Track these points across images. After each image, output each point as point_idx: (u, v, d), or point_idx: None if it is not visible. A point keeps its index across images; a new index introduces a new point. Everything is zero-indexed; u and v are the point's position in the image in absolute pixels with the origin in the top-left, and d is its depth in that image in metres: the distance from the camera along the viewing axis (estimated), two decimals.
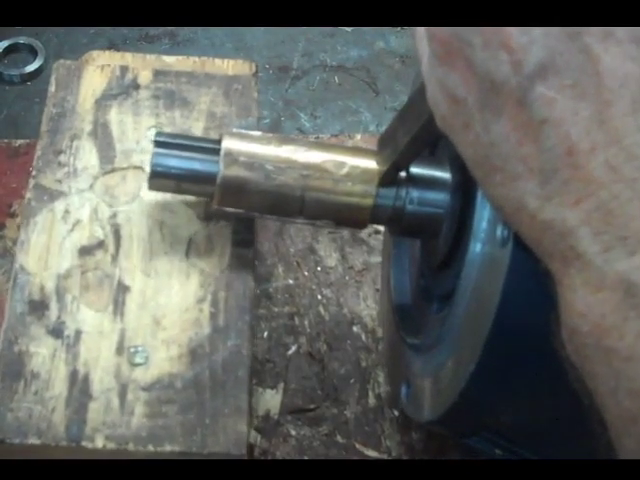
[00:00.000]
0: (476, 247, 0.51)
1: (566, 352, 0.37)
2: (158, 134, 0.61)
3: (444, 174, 0.59)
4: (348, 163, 0.59)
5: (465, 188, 0.56)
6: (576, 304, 0.36)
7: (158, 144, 0.60)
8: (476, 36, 0.37)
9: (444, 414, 0.53)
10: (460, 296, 0.53)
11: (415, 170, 0.59)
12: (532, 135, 0.36)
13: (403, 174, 0.59)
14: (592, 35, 0.36)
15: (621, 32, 0.36)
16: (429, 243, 0.62)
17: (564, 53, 0.36)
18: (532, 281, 0.41)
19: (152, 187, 0.62)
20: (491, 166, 0.38)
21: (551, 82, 0.36)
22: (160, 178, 0.60)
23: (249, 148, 0.59)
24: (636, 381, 0.34)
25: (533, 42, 0.36)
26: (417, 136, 0.54)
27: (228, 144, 0.59)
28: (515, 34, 0.36)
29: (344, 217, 0.60)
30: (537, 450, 0.54)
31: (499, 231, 0.46)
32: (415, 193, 0.59)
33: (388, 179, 0.59)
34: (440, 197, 0.58)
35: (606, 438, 0.36)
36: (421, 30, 0.42)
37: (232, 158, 0.59)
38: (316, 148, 0.60)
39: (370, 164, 0.59)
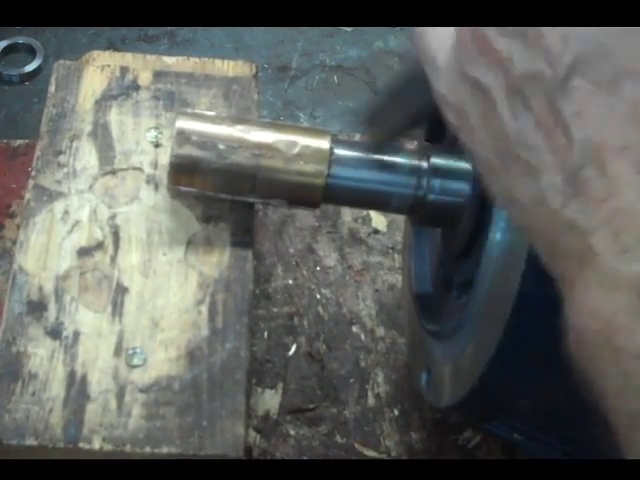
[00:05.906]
0: (496, 235, 0.51)
1: (572, 355, 0.37)
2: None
3: (465, 164, 0.59)
4: (300, 143, 0.60)
5: None
6: (588, 303, 0.35)
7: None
8: (517, 35, 0.37)
9: (464, 399, 0.54)
10: (480, 283, 0.53)
11: (436, 160, 0.60)
12: (562, 127, 0.36)
13: (425, 164, 0.59)
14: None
15: None
16: (449, 232, 0.62)
17: (605, 49, 0.35)
18: None
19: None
20: (513, 155, 0.38)
21: (590, 76, 0.36)
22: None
23: (202, 128, 0.60)
24: None
25: (575, 37, 0.36)
26: (409, 121, 0.55)
27: (181, 124, 0.60)
28: (557, 30, 0.36)
29: (296, 196, 0.61)
30: (556, 434, 0.54)
31: None
32: (437, 182, 0.59)
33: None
34: (461, 186, 0.59)
35: (610, 439, 0.35)
36: (438, 30, 0.41)
37: (184, 137, 0.59)
38: (269, 128, 0.61)
39: (322, 144, 0.60)
